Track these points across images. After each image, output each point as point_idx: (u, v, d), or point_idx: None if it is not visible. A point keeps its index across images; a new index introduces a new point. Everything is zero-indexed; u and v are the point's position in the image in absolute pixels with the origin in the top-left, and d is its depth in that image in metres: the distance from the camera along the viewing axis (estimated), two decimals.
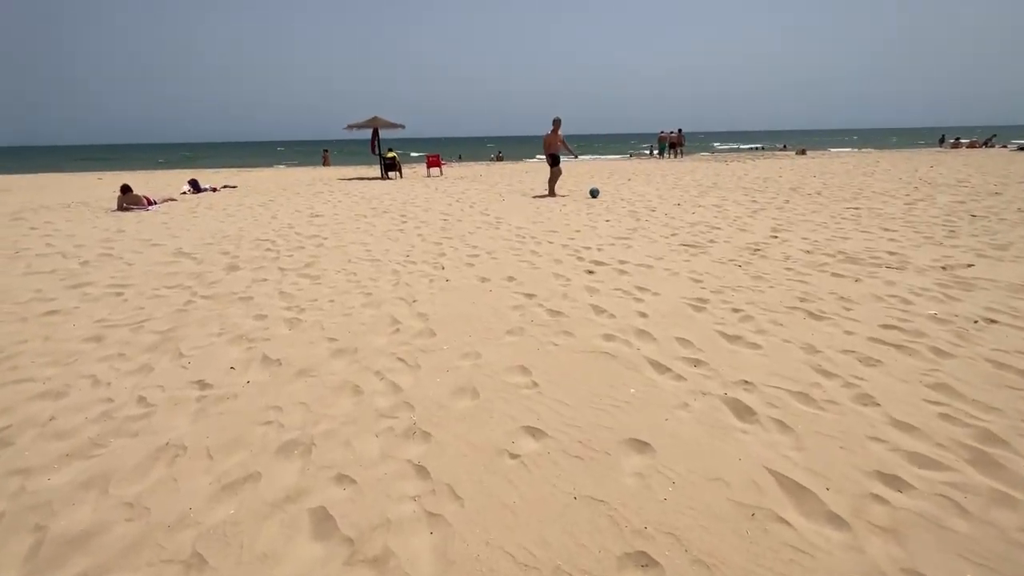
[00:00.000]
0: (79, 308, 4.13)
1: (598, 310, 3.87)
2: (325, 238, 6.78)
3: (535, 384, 2.75)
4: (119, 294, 4.48)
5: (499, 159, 30.93)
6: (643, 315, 3.75)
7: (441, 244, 6.29)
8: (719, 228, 6.90)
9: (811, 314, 3.68)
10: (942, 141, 37.08)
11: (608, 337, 3.36)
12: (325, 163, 28.25)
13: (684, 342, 3.26)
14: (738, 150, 40.14)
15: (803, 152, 26.10)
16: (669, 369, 2.89)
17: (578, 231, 6.93)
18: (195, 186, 13.22)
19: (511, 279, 4.75)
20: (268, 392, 2.73)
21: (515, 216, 8.27)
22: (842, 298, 4.01)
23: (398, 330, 3.56)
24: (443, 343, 3.33)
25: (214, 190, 13.50)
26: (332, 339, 3.42)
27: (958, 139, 29.05)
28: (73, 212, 9.63)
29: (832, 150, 33.42)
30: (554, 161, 10.74)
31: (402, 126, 18.20)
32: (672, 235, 6.57)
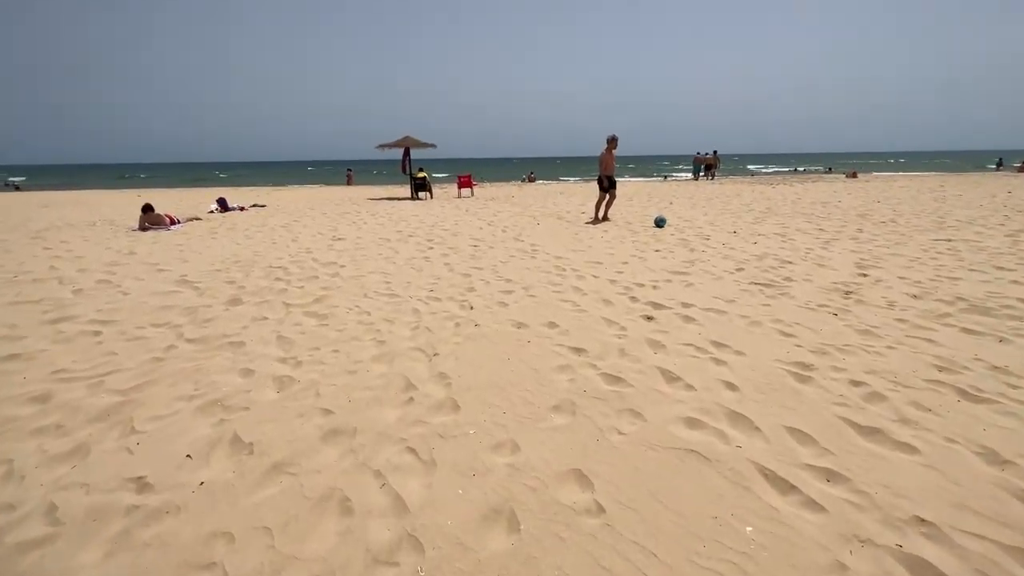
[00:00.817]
0: (44, 352, 3.50)
1: (669, 376, 2.99)
2: (343, 266, 6.11)
3: (600, 508, 1.89)
4: (96, 333, 3.85)
5: (531, 180, 30.40)
6: (731, 387, 2.85)
7: (470, 276, 5.52)
8: (792, 263, 5.92)
9: (964, 393, 2.71)
10: (999, 164, 34.71)
11: (691, 423, 2.48)
12: (349, 182, 28.39)
13: (801, 436, 2.35)
14: (777, 172, 38.58)
15: (854, 175, 24.55)
16: (794, 487, 1.99)
17: (625, 263, 6.07)
18: (223, 205, 12.97)
19: (553, 325, 3.92)
20: (224, 504, 1.96)
21: (552, 243, 7.47)
22: (996, 368, 3.01)
23: (412, 399, 2.77)
24: (469, 423, 2.51)
25: (242, 209, 13.22)
26: (327, 411, 2.65)
27: None
28: (95, 231, 9.33)
29: (875, 173, 31.51)
30: (610, 184, 9.61)
31: (433, 145, 17.78)
32: (737, 270, 5.63)
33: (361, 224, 10.02)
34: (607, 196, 9.71)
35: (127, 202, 17.14)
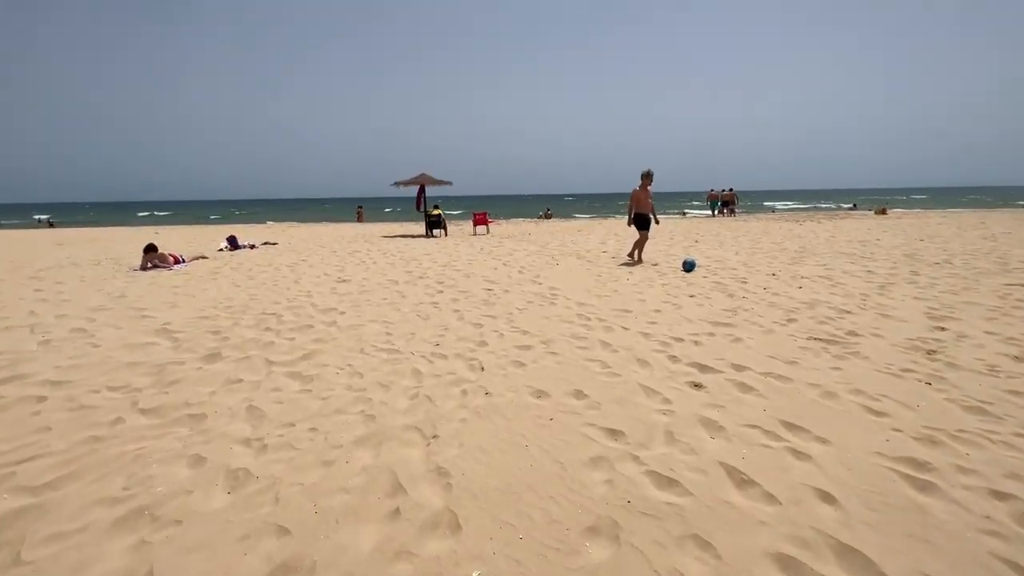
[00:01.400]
0: None
1: (739, 478, 2.27)
2: (342, 312, 5.53)
3: None
4: (40, 399, 3.27)
5: (547, 216, 30.10)
6: (827, 498, 2.11)
7: (482, 327, 4.88)
8: (850, 312, 5.16)
9: None
10: None
11: (787, 565, 1.75)
12: (359, 219, 28.61)
13: None
14: (799, 209, 37.83)
15: (883, 211, 23.65)
16: None
17: (658, 311, 5.37)
18: (233, 243, 12.68)
19: (580, 395, 3.23)
20: None
21: (573, 286, 6.82)
22: None
23: (398, 511, 2.08)
24: (471, 558, 1.81)
25: (252, 247, 12.92)
26: (282, 530, 1.97)
27: None
28: (96, 270, 8.99)
29: (899, 209, 30.39)
30: (644, 223, 8.77)
31: (449, 183, 17.56)
32: (789, 320, 4.90)
33: (370, 264, 9.53)
34: (643, 235, 8.87)
35: (142, 240, 17.11)
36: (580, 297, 6.12)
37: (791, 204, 53.63)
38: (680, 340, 4.34)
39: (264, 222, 32.85)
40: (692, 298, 5.99)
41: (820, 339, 4.31)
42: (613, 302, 5.84)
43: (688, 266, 7.85)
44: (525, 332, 4.66)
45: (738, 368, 3.66)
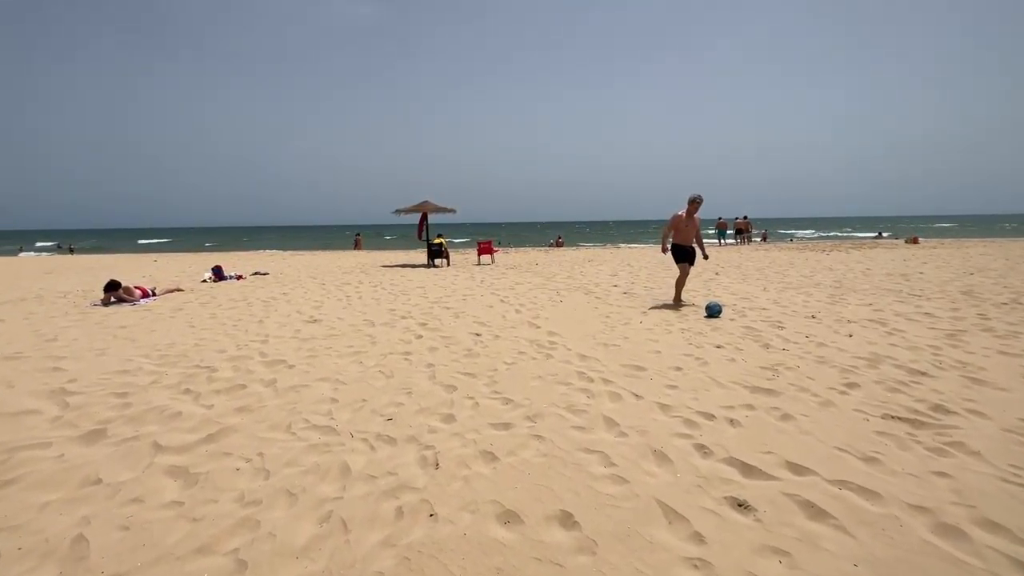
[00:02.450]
0: None
1: None
2: (291, 366, 4.56)
3: None
4: None
5: (559, 244, 29.22)
6: None
7: (455, 390, 3.86)
8: (925, 374, 4.03)
9: None
10: None
11: None
12: (357, 247, 28.24)
13: None
14: (821, 237, 36.42)
15: (915, 240, 22.29)
16: None
17: (678, 369, 4.30)
18: (218, 274, 11.92)
19: (567, 522, 2.17)
20: None
21: (576, 331, 5.78)
22: None
23: None
24: None
25: (239, 278, 12.13)
26: None
27: None
28: (51, 306, 8.19)
29: (929, 239, 28.86)
30: (686, 254, 7.41)
31: (453, 210, 16.80)
32: (848, 385, 3.80)
33: (354, 299, 8.60)
34: (686, 270, 7.45)
35: (141, 267, 16.58)
36: (583, 347, 5.07)
37: (811, 231, 52.05)
38: (710, 417, 3.26)
39: (273, 249, 32.49)
40: (719, 349, 4.90)
41: (900, 418, 3.20)
42: (622, 354, 4.78)
43: (712, 311, 6.51)
44: (507, 401, 3.62)
45: (797, 470, 2.57)
